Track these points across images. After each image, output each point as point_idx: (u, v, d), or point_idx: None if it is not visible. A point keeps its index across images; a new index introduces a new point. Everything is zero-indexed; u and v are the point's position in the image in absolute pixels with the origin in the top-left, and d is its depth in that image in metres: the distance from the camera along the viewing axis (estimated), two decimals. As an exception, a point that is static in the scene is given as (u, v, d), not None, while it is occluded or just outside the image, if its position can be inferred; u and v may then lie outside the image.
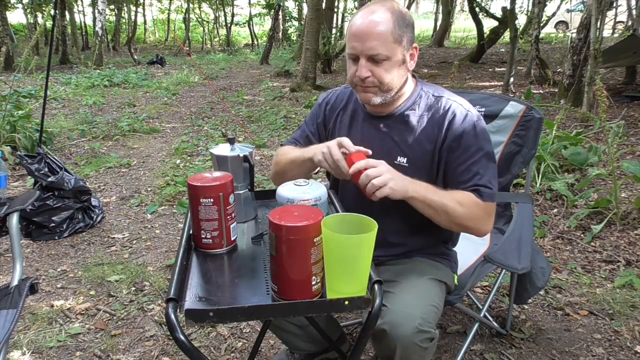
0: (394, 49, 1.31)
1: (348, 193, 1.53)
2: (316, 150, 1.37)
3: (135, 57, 14.73)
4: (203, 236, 1.24)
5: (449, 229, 1.38)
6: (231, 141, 1.43)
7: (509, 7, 9.10)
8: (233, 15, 21.89)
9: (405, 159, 1.40)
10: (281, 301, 1.03)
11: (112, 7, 19.18)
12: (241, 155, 1.40)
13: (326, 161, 1.32)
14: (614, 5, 10.97)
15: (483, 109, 1.87)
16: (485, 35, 12.20)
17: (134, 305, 2.33)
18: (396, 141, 1.42)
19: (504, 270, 1.89)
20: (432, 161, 1.39)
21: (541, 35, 10.92)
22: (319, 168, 1.45)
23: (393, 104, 1.43)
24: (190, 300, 1.04)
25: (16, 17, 22.03)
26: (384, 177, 1.22)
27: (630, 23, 11.97)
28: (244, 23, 23.54)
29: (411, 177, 1.34)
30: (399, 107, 1.43)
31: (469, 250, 1.84)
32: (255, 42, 21.10)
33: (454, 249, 1.62)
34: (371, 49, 1.30)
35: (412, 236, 1.48)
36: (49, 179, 2.99)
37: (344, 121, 1.53)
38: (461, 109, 1.38)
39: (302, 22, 14.45)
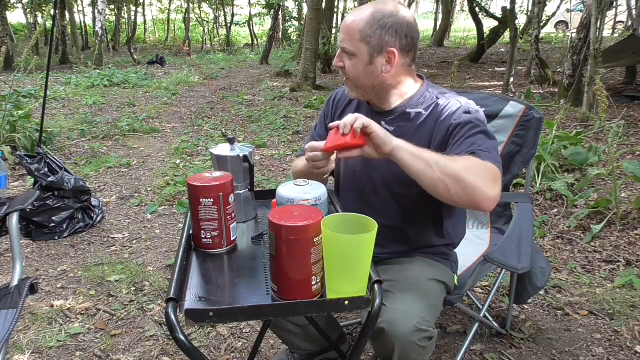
0: (359, 47, 1.35)
1: (348, 193, 1.54)
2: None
3: (135, 57, 14.72)
4: (203, 236, 1.24)
5: (450, 198, 1.21)
6: (231, 141, 1.43)
7: (509, 7, 9.11)
8: (233, 15, 21.89)
9: None
10: (281, 301, 1.03)
11: (112, 7, 19.19)
12: (241, 155, 1.40)
13: (316, 166, 1.34)
14: (614, 5, 10.97)
15: (483, 109, 1.86)
16: (485, 35, 12.20)
17: (134, 305, 2.33)
18: (396, 137, 1.42)
19: (504, 270, 1.89)
20: None
21: (541, 35, 10.92)
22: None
23: (394, 102, 1.44)
24: (190, 300, 1.04)
25: (16, 17, 22.04)
26: (362, 120, 1.20)
27: (630, 23, 11.95)
28: (244, 23, 23.53)
29: None
30: (401, 105, 1.44)
31: (469, 250, 1.84)
32: (255, 42, 21.10)
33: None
34: (341, 42, 1.38)
35: (412, 235, 1.48)
36: (49, 179, 2.99)
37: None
38: (459, 104, 1.38)
39: (302, 22, 14.44)
